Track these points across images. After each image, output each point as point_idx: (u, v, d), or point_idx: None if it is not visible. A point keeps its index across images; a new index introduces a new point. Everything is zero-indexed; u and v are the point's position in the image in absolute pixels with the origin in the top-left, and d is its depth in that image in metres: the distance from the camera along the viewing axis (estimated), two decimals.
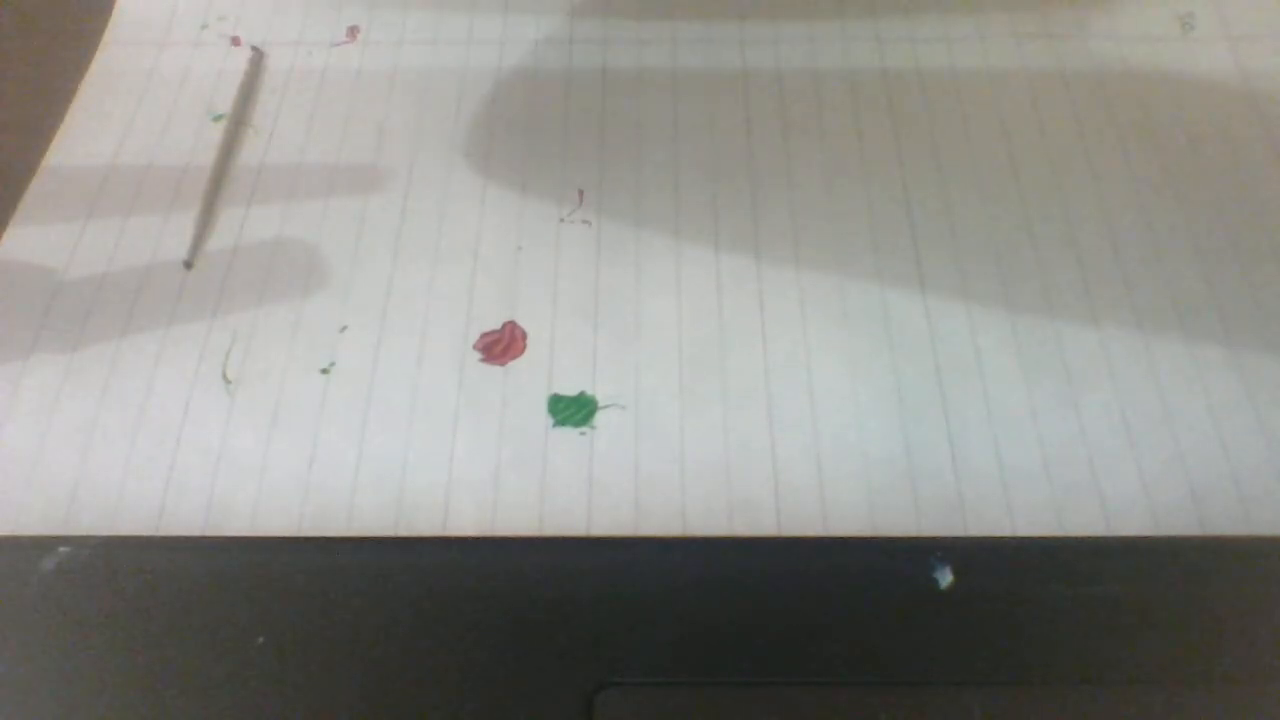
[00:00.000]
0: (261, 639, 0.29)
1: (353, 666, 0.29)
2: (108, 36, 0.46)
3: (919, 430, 0.35)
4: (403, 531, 0.33)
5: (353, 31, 0.47)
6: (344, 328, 0.38)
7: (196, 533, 0.32)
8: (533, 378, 0.36)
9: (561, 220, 0.41)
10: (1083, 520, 0.33)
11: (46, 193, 0.41)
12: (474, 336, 0.37)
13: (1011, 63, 0.46)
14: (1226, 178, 0.42)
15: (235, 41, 0.47)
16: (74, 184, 0.42)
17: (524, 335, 0.37)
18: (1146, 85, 0.45)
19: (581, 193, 0.41)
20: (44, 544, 0.31)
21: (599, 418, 0.35)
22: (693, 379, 0.36)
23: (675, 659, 0.29)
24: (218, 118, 0.44)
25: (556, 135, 0.43)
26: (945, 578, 0.30)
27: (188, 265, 0.39)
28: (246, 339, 0.37)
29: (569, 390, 0.36)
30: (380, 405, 0.36)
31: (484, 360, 0.37)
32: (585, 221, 0.41)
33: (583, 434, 0.35)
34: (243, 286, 0.39)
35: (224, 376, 0.36)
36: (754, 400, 0.36)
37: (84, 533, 0.32)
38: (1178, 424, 0.35)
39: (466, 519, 0.33)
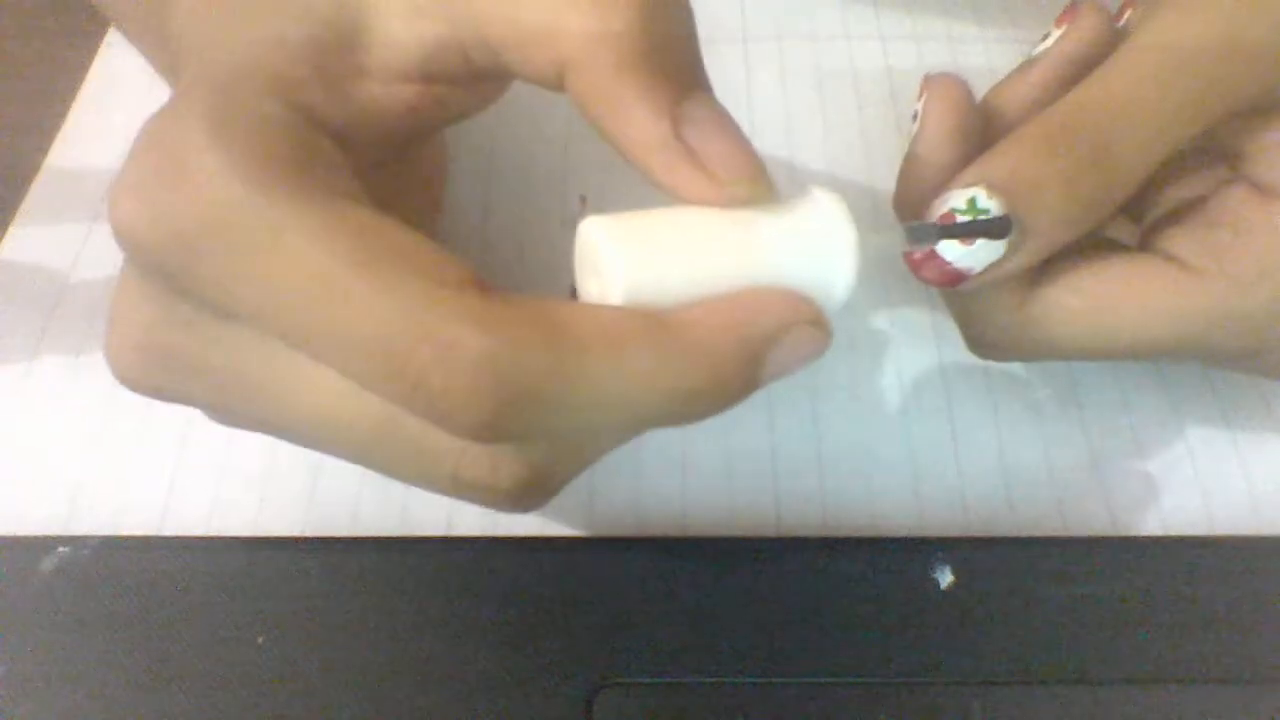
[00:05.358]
0: (261, 639, 0.29)
1: (353, 666, 0.29)
2: (109, 37, 0.46)
3: (921, 429, 0.35)
4: (406, 532, 0.33)
5: None
6: None
7: (198, 533, 0.32)
8: None
9: (563, 225, 0.41)
10: (1086, 520, 0.33)
11: (50, 194, 0.41)
12: None
13: (1013, 64, 0.46)
14: None
15: None
16: (78, 185, 0.42)
17: None
18: None
19: (583, 198, 0.41)
20: (44, 544, 0.31)
21: None
22: None
23: (675, 659, 0.29)
24: None
25: (558, 138, 0.43)
26: (945, 577, 0.30)
27: None
28: None
29: None
30: None
31: None
32: None
33: None
34: None
35: None
36: (754, 400, 0.35)
37: (84, 533, 0.32)
38: (1184, 421, 0.35)
39: (470, 520, 0.33)
